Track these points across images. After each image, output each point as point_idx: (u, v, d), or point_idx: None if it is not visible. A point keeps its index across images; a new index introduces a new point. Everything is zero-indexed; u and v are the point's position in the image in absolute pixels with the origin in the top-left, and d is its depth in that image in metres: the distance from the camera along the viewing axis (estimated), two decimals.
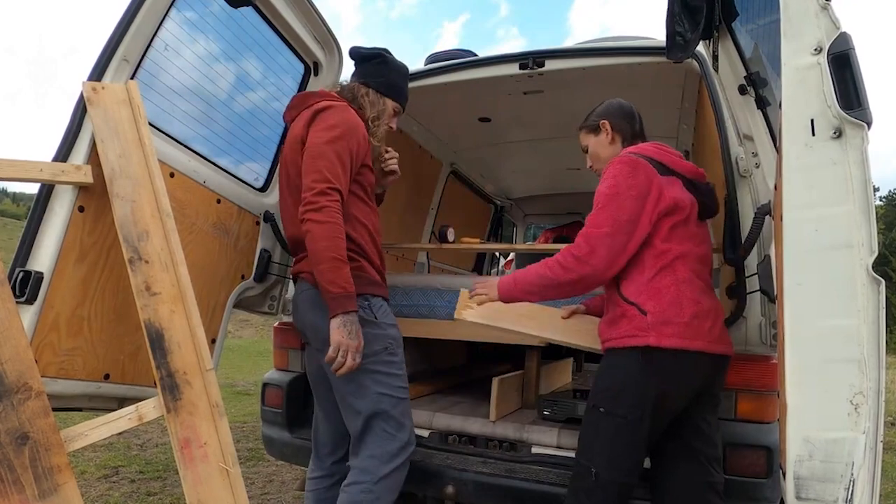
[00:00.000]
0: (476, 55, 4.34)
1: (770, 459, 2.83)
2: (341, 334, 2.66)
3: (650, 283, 2.63)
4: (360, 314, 2.78)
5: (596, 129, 3.09)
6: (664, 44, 3.17)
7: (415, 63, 3.94)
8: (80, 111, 2.83)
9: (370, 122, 3.10)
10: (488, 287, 2.90)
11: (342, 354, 2.67)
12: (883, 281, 1.82)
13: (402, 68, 3.29)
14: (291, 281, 4.00)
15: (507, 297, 2.86)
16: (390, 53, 3.25)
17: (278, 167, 3.10)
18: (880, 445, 1.84)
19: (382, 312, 2.97)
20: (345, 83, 3.29)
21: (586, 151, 3.14)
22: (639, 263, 2.66)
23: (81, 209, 2.80)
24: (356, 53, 3.24)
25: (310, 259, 2.75)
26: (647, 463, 2.76)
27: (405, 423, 2.94)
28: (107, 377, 2.97)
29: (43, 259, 2.69)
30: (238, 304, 3.78)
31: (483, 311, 3.04)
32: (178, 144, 3.32)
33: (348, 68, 3.28)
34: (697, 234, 2.75)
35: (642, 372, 2.55)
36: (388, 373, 2.91)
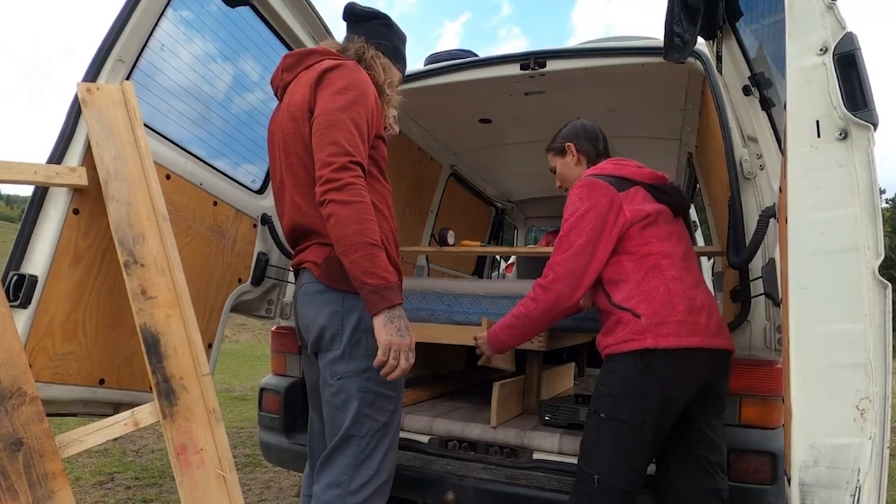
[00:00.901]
0: (476, 55, 4.35)
1: (775, 466, 2.83)
2: (389, 332, 2.32)
3: (639, 286, 2.69)
4: (370, 321, 2.39)
5: (562, 152, 3.26)
6: None
7: (415, 64, 3.94)
8: (75, 112, 2.83)
9: (385, 87, 2.77)
10: (481, 344, 3.17)
11: (393, 356, 2.33)
12: (889, 285, 1.82)
13: (404, 35, 2.98)
14: (289, 285, 4.01)
15: (499, 347, 3.08)
16: (384, 13, 2.94)
17: (270, 145, 2.78)
18: (887, 451, 1.84)
19: None
20: (336, 42, 2.96)
21: (555, 172, 3.34)
22: (623, 272, 2.75)
23: (76, 212, 2.80)
24: (355, 10, 2.89)
25: (338, 248, 2.35)
26: (651, 470, 2.76)
27: (380, 452, 2.56)
28: (102, 382, 2.96)
29: (37, 262, 2.69)
30: (235, 308, 3.78)
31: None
32: (174, 146, 3.32)
33: None
34: (675, 232, 2.86)
35: (642, 375, 2.57)
36: (381, 393, 2.54)
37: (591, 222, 2.75)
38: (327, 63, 2.59)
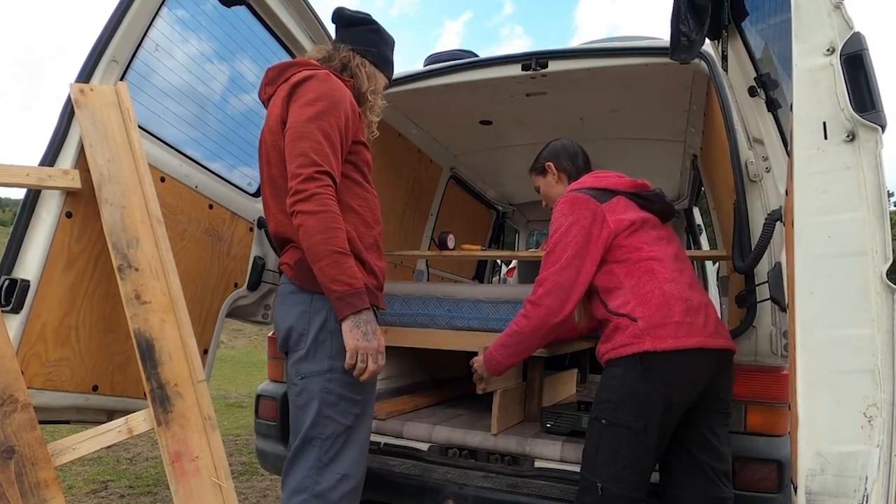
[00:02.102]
0: (477, 56, 4.35)
1: (781, 474, 2.82)
2: (355, 337, 2.43)
3: (634, 291, 2.72)
4: (336, 322, 2.50)
5: (543, 171, 3.37)
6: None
7: (415, 64, 3.95)
8: (68, 114, 2.83)
9: (368, 95, 2.90)
10: (479, 367, 3.18)
11: (360, 360, 2.45)
12: None
13: (391, 40, 3.07)
14: None
15: (496, 369, 3.11)
16: (372, 17, 3.03)
17: (258, 155, 2.84)
18: (895, 459, 1.83)
19: None
20: (324, 48, 3.02)
21: (538, 192, 3.44)
22: (617, 279, 2.80)
23: (69, 215, 2.80)
24: (343, 16, 2.97)
25: (308, 257, 2.46)
26: (655, 478, 2.76)
27: (345, 456, 2.60)
28: (95, 389, 2.96)
29: (29, 266, 2.68)
30: (231, 313, 3.78)
31: None
32: (168, 148, 3.32)
33: None
34: (664, 236, 2.93)
35: (643, 379, 2.58)
36: (344, 395, 2.58)
37: (575, 235, 2.82)
38: (300, 75, 2.67)
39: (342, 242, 2.44)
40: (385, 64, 3.02)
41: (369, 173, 2.82)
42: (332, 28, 3.08)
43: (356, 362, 2.45)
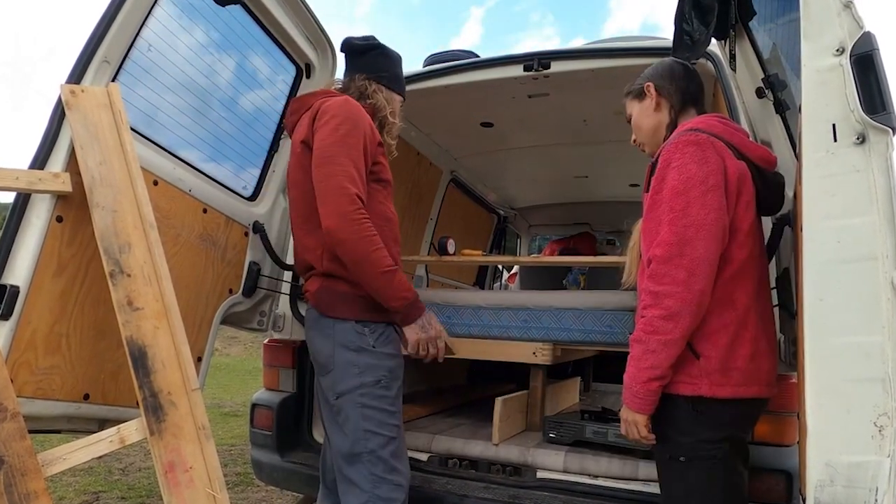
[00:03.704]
0: (478, 56, 4.36)
1: (790, 484, 2.83)
2: (414, 332, 2.83)
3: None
4: (357, 341, 2.81)
5: (640, 94, 2.81)
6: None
7: (414, 64, 3.95)
8: (59, 116, 2.82)
9: (388, 117, 3.12)
10: (628, 423, 2.44)
11: (422, 349, 2.86)
12: None
13: (398, 58, 3.27)
14: (282, 296, 4.02)
15: (645, 403, 2.36)
16: (378, 41, 3.22)
17: (286, 181, 3.10)
18: None
19: (382, 340, 2.87)
20: (339, 81, 3.27)
21: (629, 122, 2.89)
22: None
23: (60, 219, 2.79)
24: (351, 46, 3.18)
25: (358, 280, 2.76)
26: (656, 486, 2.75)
27: (397, 466, 2.81)
28: (87, 397, 2.96)
29: (19, 272, 2.67)
30: (226, 320, 3.77)
31: None
32: (162, 151, 3.31)
33: (342, 70, 3.25)
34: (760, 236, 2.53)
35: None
36: (379, 408, 2.80)
37: (713, 192, 2.31)
38: (320, 102, 2.93)
39: (386, 261, 2.70)
40: (397, 83, 3.22)
41: (389, 191, 3.03)
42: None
43: (418, 352, 2.87)
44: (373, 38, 3.21)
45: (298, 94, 3.18)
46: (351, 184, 2.68)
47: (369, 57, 3.17)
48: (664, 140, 2.64)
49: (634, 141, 2.90)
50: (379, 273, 2.68)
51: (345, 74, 3.23)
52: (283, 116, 3.94)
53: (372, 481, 2.74)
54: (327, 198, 2.68)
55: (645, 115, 2.79)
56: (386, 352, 2.88)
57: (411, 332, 2.82)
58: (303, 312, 3.78)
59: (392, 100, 3.16)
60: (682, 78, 2.76)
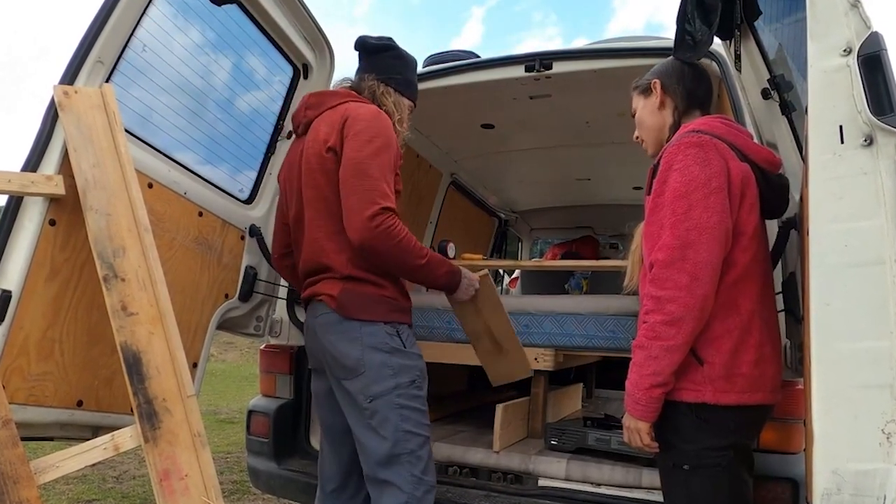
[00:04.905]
0: (479, 56, 4.35)
1: (796, 493, 2.82)
2: (465, 293, 3.05)
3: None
4: (390, 342, 2.82)
5: (646, 91, 2.81)
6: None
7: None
8: (51, 117, 2.82)
9: (397, 125, 3.05)
10: (631, 431, 2.42)
11: (466, 293, 3.06)
12: None
13: (413, 61, 3.28)
14: (279, 301, 4.01)
15: (647, 411, 2.34)
16: (394, 42, 3.19)
17: (287, 177, 3.08)
18: None
19: (410, 340, 2.94)
20: (348, 79, 3.21)
21: (633, 116, 2.89)
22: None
23: (53, 223, 2.79)
24: (366, 44, 3.14)
25: (402, 275, 2.92)
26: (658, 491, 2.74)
27: (432, 467, 2.87)
28: (80, 404, 2.95)
29: (11, 276, 2.67)
30: (221, 325, 3.77)
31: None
32: (156, 153, 3.31)
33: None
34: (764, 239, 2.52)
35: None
36: (415, 408, 2.84)
37: (716, 194, 2.30)
38: (351, 107, 2.91)
39: (422, 252, 2.83)
40: (409, 87, 3.20)
41: (400, 202, 2.99)
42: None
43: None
44: (389, 38, 3.18)
45: (311, 91, 3.17)
46: (382, 198, 2.71)
47: (383, 58, 3.14)
48: (667, 141, 2.64)
49: (637, 137, 2.89)
50: (418, 266, 2.81)
51: (356, 73, 3.18)
52: (280, 118, 3.94)
53: (412, 482, 2.76)
54: (357, 212, 2.70)
55: (649, 111, 2.79)
56: (415, 352, 2.93)
57: (463, 293, 3.03)
58: (300, 317, 3.78)
59: (401, 105, 3.13)
60: (691, 79, 2.77)
